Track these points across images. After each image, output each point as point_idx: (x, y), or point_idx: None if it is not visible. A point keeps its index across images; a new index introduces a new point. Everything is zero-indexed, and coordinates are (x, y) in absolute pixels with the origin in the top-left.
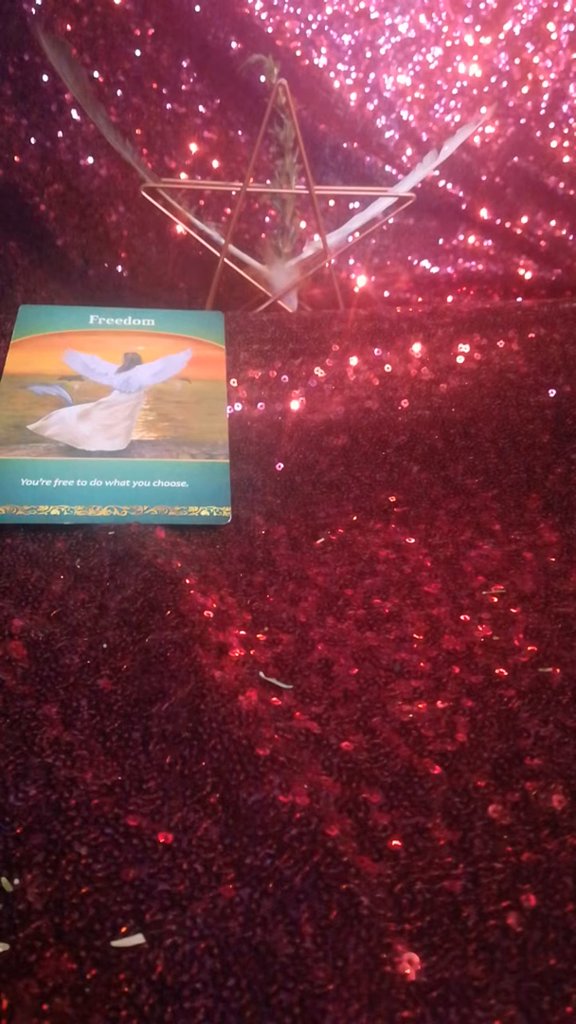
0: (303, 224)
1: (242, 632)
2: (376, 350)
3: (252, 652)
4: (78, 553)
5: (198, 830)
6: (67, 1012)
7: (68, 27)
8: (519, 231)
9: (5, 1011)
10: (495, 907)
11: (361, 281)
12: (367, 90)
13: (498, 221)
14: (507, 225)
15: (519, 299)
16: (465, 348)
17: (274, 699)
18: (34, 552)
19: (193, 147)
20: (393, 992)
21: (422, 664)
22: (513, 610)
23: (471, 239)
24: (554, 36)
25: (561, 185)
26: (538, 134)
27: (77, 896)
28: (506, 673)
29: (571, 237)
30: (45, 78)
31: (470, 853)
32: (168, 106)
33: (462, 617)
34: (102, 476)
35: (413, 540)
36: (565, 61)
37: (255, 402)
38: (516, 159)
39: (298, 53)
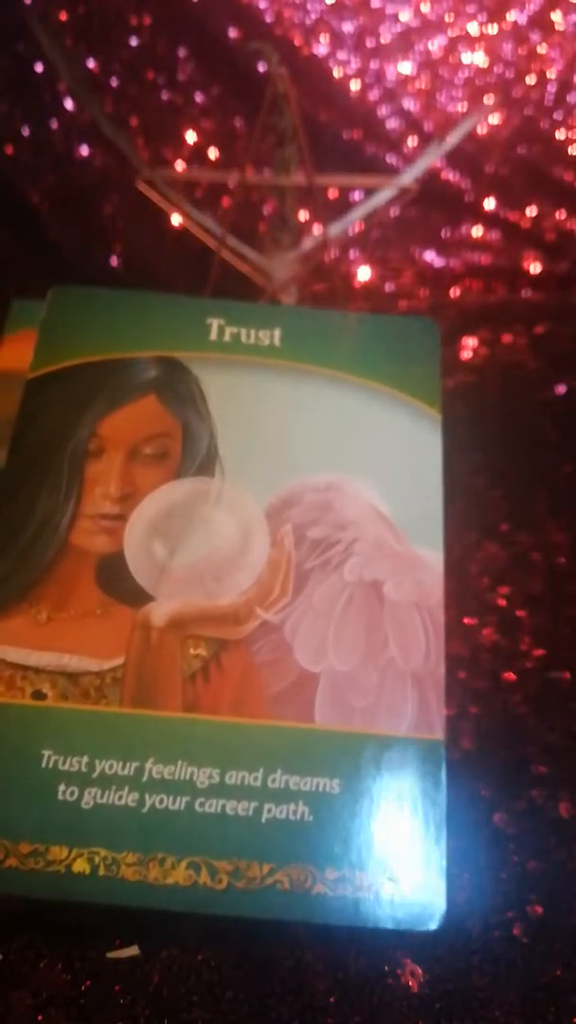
0: (303, 215)
1: None
2: None
3: None
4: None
5: None
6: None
7: (63, 16)
8: (525, 223)
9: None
10: (500, 917)
11: (363, 274)
12: (369, 79)
13: (504, 213)
14: (513, 217)
15: (526, 292)
16: (471, 343)
17: None
18: None
19: (190, 137)
20: (396, 1005)
21: None
22: (520, 613)
23: (476, 231)
24: (560, 26)
25: (568, 176)
26: (544, 125)
27: (72, 906)
28: (513, 678)
29: None
30: (39, 68)
31: (475, 862)
32: (165, 95)
33: (467, 620)
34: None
35: None
36: (571, 51)
37: None
38: (522, 150)
39: (298, 42)
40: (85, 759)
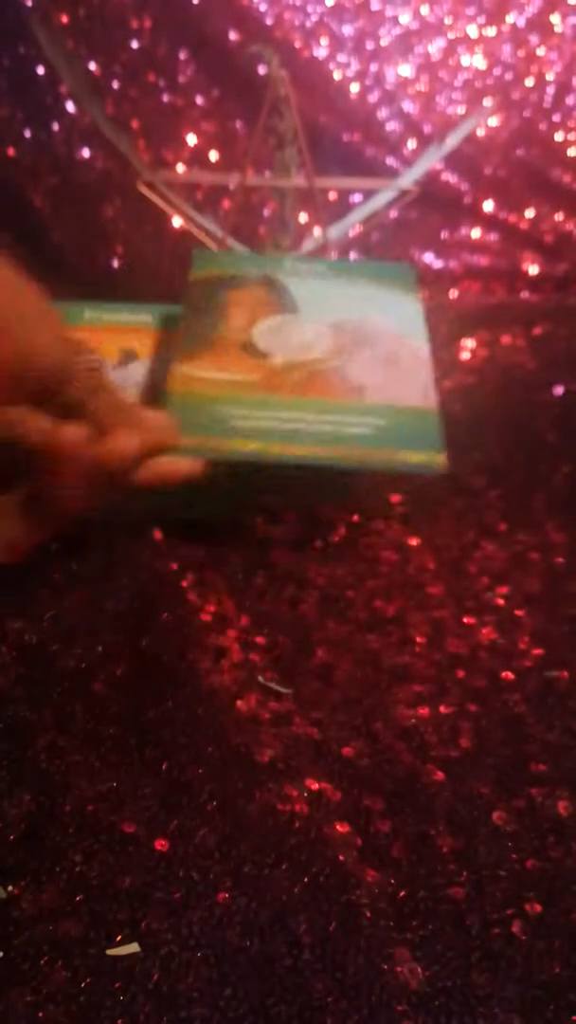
0: (303, 217)
1: (237, 634)
2: None
3: (250, 656)
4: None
5: (195, 837)
6: (61, 1020)
7: (64, 19)
8: (524, 225)
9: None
10: (499, 915)
11: None
12: (368, 82)
13: (503, 215)
14: (512, 219)
15: (524, 294)
16: (469, 344)
17: (273, 704)
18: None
19: (191, 139)
20: (394, 1003)
21: (425, 668)
22: (518, 612)
23: (475, 233)
24: (559, 29)
25: (566, 178)
26: (543, 127)
27: (72, 904)
28: (512, 677)
29: None
30: (41, 71)
31: (474, 861)
32: (165, 98)
33: (466, 620)
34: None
35: (416, 541)
36: (570, 53)
37: None
38: (521, 152)
39: (298, 44)
40: (247, 411)
